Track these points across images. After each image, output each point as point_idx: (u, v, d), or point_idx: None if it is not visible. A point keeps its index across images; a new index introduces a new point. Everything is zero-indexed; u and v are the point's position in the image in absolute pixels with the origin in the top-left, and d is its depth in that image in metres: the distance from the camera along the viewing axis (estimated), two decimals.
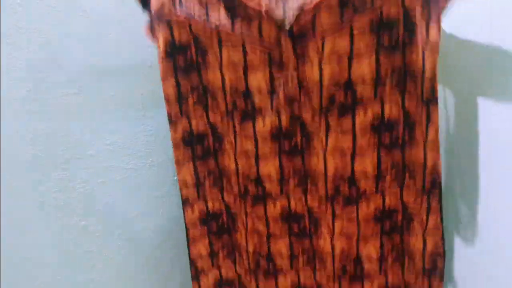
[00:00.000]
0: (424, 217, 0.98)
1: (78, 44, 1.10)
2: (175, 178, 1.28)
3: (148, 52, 1.21)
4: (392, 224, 1.00)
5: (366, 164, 0.95)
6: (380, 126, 0.92)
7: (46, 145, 1.08)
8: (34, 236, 1.08)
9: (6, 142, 1.02)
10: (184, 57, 0.96)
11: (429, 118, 0.91)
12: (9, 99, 1.02)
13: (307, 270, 1.05)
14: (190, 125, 1.01)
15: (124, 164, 1.20)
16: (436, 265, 1.01)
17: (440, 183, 0.96)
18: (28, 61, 1.04)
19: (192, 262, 1.10)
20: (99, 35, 1.13)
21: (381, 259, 1.02)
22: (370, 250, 1.01)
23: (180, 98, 1.01)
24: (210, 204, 1.07)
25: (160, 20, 0.94)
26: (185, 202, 1.06)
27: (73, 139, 1.11)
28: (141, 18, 1.15)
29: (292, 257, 1.05)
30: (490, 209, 1.04)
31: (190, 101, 1.00)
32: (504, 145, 0.97)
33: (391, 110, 0.92)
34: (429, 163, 0.94)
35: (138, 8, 1.00)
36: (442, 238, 1.00)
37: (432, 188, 0.96)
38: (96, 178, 1.15)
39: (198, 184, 1.06)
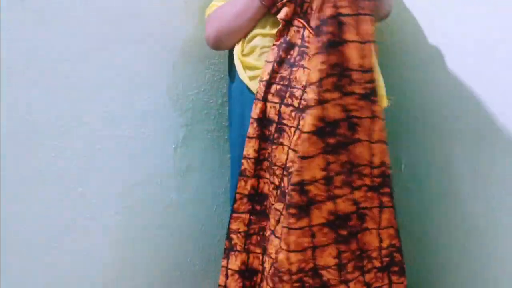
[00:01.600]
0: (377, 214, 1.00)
1: (72, 11, 1.08)
2: (173, 146, 1.28)
3: (145, 20, 1.19)
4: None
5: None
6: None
7: (42, 113, 1.06)
8: (31, 203, 1.07)
9: (2, 110, 1.01)
10: None
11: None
12: (4, 68, 1.00)
13: None
14: None
15: (121, 132, 1.18)
16: (394, 260, 1.03)
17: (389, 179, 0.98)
18: (21, 30, 1.02)
19: (229, 235, 1.11)
20: (92, 2, 1.11)
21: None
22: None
23: None
24: (261, 185, 1.09)
25: None
26: (242, 173, 1.08)
27: (69, 107, 1.10)
28: None
29: None
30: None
31: None
32: None
33: None
34: (376, 160, 0.97)
35: None
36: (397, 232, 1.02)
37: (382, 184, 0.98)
38: (93, 145, 1.14)
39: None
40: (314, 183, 0.95)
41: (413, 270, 1.27)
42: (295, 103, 1.01)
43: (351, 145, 0.95)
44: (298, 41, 1.04)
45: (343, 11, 0.92)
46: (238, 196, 1.09)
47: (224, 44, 1.15)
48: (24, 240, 1.07)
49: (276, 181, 1.05)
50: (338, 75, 0.93)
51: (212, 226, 1.39)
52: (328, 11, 0.92)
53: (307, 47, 1.02)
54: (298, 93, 1.01)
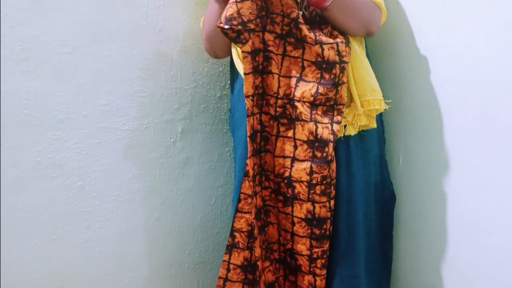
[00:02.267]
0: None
1: (72, 2, 1.09)
2: (172, 140, 1.28)
3: (142, 12, 1.19)
4: None
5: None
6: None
7: (40, 105, 1.07)
8: (30, 196, 1.08)
9: (2, 103, 1.02)
10: None
11: None
12: (3, 58, 1.01)
13: None
14: None
15: (119, 125, 1.19)
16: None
17: None
18: (19, 20, 1.02)
19: (232, 233, 1.13)
20: None
21: None
22: None
23: None
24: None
25: None
26: (246, 173, 1.09)
27: (68, 99, 1.11)
28: None
29: None
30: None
31: None
32: None
33: None
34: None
35: None
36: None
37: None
38: (92, 138, 1.15)
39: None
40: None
41: (407, 264, 1.28)
42: (271, 111, 1.07)
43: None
44: (261, 46, 1.04)
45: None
46: (242, 196, 1.10)
47: (217, 50, 1.17)
48: (24, 233, 1.09)
49: (272, 185, 1.10)
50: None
51: (211, 218, 1.40)
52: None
53: (272, 52, 1.04)
54: (272, 100, 1.06)
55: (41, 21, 1.05)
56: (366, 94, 1.09)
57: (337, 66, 1.02)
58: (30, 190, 1.08)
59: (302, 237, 1.09)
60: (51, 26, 1.07)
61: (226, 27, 0.97)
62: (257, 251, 1.10)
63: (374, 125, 1.12)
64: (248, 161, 1.06)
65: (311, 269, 1.10)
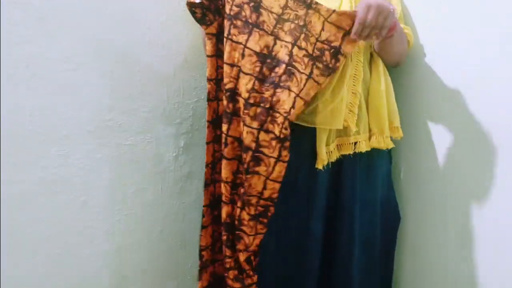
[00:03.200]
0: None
1: (75, 20, 1.10)
2: (174, 154, 1.29)
3: (146, 28, 1.20)
4: None
5: None
6: None
7: (45, 121, 1.08)
8: (34, 211, 1.09)
9: (5, 118, 1.02)
10: None
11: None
12: (7, 75, 1.02)
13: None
14: None
15: (122, 140, 1.20)
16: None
17: None
18: (24, 37, 1.03)
19: (200, 253, 1.17)
20: (96, 10, 1.12)
21: None
22: None
23: None
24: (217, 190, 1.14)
25: None
26: (205, 182, 1.13)
27: (72, 115, 1.12)
28: None
29: None
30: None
31: None
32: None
33: None
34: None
35: None
36: None
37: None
38: (95, 153, 1.16)
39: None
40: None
41: (409, 277, 1.28)
42: (276, 130, 1.03)
43: None
44: (286, 58, 1.03)
45: None
46: (204, 209, 1.14)
47: None
48: (27, 248, 1.09)
49: (252, 210, 1.07)
50: None
51: None
52: None
53: (295, 67, 1.02)
54: (280, 119, 1.02)
55: (46, 39, 1.06)
56: (394, 122, 1.14)
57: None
58: (34, 205, 1.09)
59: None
60: (56, 43, 1.08)
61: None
62: (203, 240, 1.14)
63: (391, 144, 1.15)
64: (207, 147, 1.09)
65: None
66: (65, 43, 1.09)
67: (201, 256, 1.16)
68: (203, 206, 1.14)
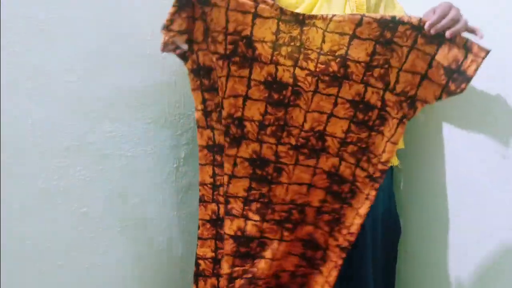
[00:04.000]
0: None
1: (77, 32, 1.11)
2: (175, 165, 1.30)
3: (147, 40, 1.21)
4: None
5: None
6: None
7: (46, 132, 1.08)
8: (35, 223, 1.09)
9: (6, 129, 1.03)
10: None
11: None
12: (9, 86, 1.02)
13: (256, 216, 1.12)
14: None
15: (123, 152, 1.20)
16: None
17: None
18: (26, 49, 1.04)
19: (196, 261, 1.17)
20: (97, 23, 1.13)
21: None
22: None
23: None
24: (221, 210, 1.14)
25: None
26: (200, 199, 1.13)
27: (73, 126, 1.12)
28: (142, 7, 1.15)
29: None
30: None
31: None
32: None
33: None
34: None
35: None
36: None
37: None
38: (96, 165, 1.16)
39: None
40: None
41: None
42: (292, 141, 1.07)
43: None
44: (290, 81, 1.05)
45: None
46: (200, 222, 1.14)
47: None
48: (28, 260, 1.09)
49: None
50: None
51: None
52: None
53: (301, 87, 1.05)
54: (295, 131, 1.06)
55: (47, 50, 1.07)
56: None
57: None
58: (34, 217, 1.09)
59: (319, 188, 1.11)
60: (57, 54, 1.08)
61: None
62: (200, 251, 1.15)
63: (396, 162, 1.16)
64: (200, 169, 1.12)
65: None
66: (67, 54, 1.10)
67: (197, 264, 1.16)
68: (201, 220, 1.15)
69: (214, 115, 1.10)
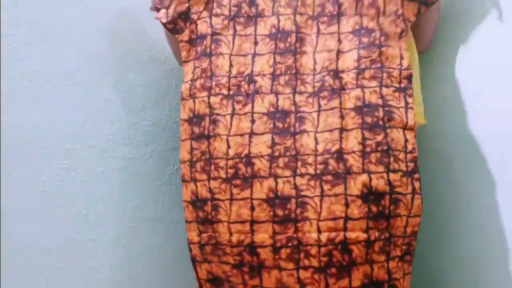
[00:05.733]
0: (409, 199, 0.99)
1: (78, 35, 1.11)
2: (175, 167, 1.30)
3: (148, 43, 1.22)
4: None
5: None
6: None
7: (48, 135, 1.09)
8: (35, 225, 1.09)
9: (7, 132, 1.03)
10: None
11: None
12: (10, 90, 1.03)
13: (290, 264, 1.00)
14: None
15: (124, 154, 1.21)
16: (409, 249, 1.02)
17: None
18: (28, 52, 1.05)
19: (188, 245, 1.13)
20: (98, 26, 1.14)
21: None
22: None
23: None
24: (199, 189, 1.08)
25: None
26: (182, 178, 1.10)
27: (74, 129, 1.13)
28: (142, 11, 1.16)
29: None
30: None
31: None
32: None
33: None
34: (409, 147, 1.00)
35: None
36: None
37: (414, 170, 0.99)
38: (97, 167, 1.17)
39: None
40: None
41: None
42: (311, 170, 0.99)
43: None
44: (292, 108, 1.03)
45: None
46: (184, 204, 1.11)
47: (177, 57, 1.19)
48: (29, 262, 1.09)
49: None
50: None
51: None
52: None
53: (303, 111, 1.03)
54: (310, 159, 0.99)
55: (49, 54, 1.08)
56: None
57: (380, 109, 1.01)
58: (35, 219, 1.09)
59: (358, 219, 0.98)
60: (58, 58, 1.09)
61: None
62: (189, 235, 1.11)
63: (423, 119, 1.14)
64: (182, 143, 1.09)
65: (368, 257, 0.98)
66: (68, 58, 1.10)
67: (189, 248, 1.12)
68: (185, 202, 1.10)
69: (199, 83, 1.08)
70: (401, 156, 0.99)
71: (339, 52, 1.04)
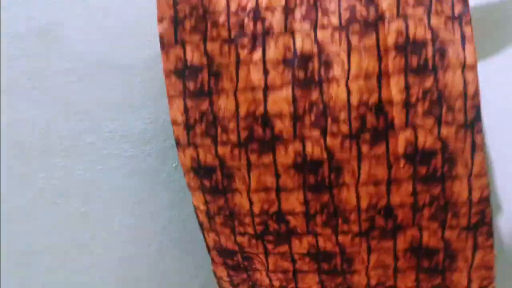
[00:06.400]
0: (470, 254, 0.85)
1: (77, 33, 1.11)
2: (174, 165, 1.30)
3: (147, 41, 1.21)
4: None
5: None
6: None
7: (46, 133, 1.09)
8: (34, 223, 1.09)
9: (6, 130, 1.03)
10: None
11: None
12: (9, 87, 1.02)
13: (326, 230, 0.88)
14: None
15: (123, 151, 1.21)
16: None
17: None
18: (27, 50, 1.04)
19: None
20: (98, 24, 1.13)
21: None
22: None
23: None
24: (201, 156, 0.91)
25: None
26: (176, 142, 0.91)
27: (73, 126, 1.12)
28: (141, 7, 1.15)
29: None
30: None
31: None
32: None
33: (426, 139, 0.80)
34: (475, 197, 0.82)
35: None
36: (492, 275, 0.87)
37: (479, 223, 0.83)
38: (96, 165, 1.17)
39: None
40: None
41: None
42: (344, 128, 0.80)
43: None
44: (315, 49, 0.81)
45: None
46: (184, 170, 0.92)
47: None
48: (27, 260, 1.09)
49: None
50: None
51: None
52: None
53: (329, 51, 0.81)
54: (342, 115, 0.81)
55: (48, 52, 1.07)
56: None
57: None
58: (33, 217, 1.09)
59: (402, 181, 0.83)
60: (57, 56, 1.09)
61: None
62: (195, 201, 0.92)
63: None
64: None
65: (416, 221, 0.85)
66: (67, 56, 1.10)
67: (196, 214, 0.99)
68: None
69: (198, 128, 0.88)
70: (458, 103, 0.78)
71: (389, 182, 0.82)
